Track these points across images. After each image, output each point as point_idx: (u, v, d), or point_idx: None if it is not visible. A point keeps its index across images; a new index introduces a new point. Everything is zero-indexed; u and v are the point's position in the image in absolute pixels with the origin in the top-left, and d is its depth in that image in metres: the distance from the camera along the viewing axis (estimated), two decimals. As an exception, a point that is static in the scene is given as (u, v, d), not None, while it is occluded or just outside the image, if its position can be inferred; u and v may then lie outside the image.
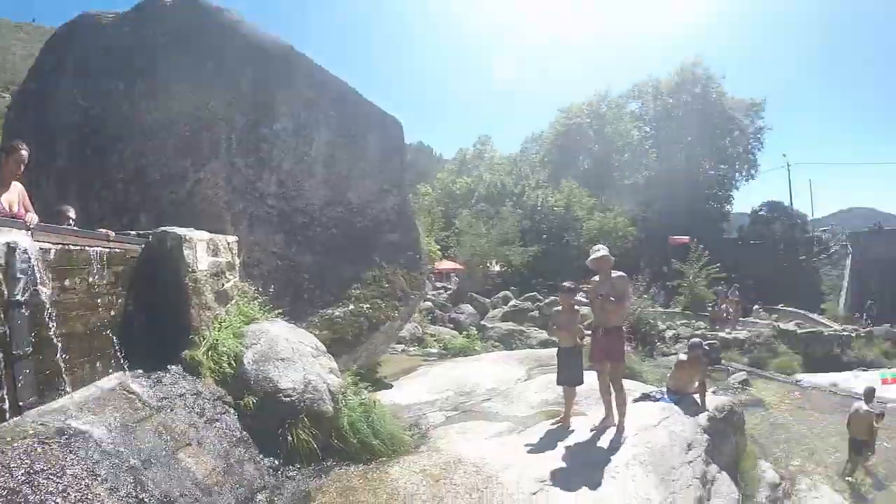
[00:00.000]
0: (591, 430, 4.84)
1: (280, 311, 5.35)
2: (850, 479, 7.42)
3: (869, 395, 8.09)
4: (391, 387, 6.54)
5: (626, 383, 6.22)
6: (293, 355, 4.49)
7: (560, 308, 5.43)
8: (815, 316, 22.42)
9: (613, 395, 4.87)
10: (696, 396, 5.83)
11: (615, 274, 4.84)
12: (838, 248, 33.18)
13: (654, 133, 40.71)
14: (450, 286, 22.92)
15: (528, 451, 4.48)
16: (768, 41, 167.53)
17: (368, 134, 7.32)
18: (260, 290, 5.41)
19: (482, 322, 14.52)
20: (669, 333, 15.59)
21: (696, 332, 15.75)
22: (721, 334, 15.84)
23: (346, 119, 7.07)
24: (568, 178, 34.85)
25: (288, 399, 4.10)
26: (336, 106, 6.98)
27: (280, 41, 6.69)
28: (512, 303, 17.74)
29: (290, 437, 3.96)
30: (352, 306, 6.70)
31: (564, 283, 5.37)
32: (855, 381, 11.76)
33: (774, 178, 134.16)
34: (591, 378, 5.12)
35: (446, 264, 25.99)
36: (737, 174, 40.20)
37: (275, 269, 6.20)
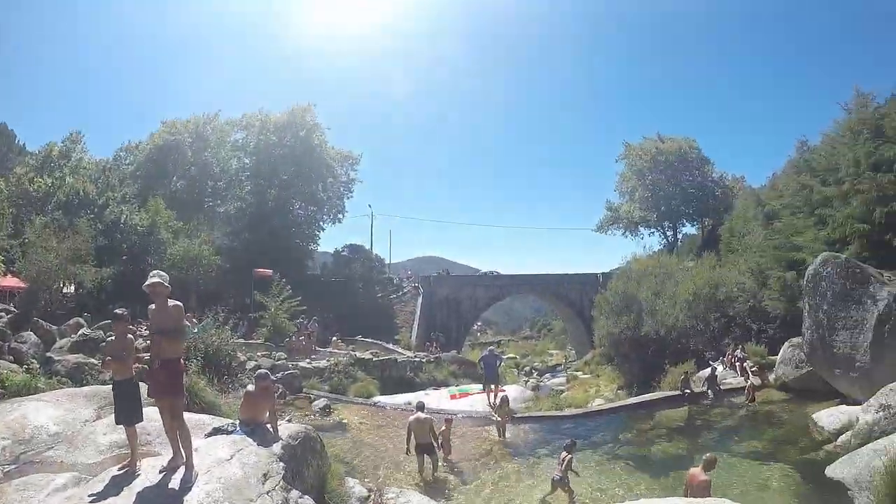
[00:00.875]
0: (161, 472, 4.60)
1: None
2: (430, 478, 8.51)
3: (420, 406, 9.68)
4: (-68, 442, 5.33)
5: (203, 417, 6.24)
6: None
7: (113, 337, 5.06)
8: (390, 346, 26.25)
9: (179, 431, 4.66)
10: (270, 426, 5.87)
11: (171, 303, 4.68)
12: (410, 289, 40.94)
13: (253, 166, 41.37)
14: (12, 308, 17.56)
15: (95, 503, 4.20)
16: (372, 105, 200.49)
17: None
18: None
19: (48, 354, 11.84)
20: (251, 364, 15.39)
21: (278, 362, 16.23)
22: (302, 364, 16.69)
23: None
24: (157, 197, 32.05)
25: None
26: None
27: None
28: (82, 331, 14.83)
29: None
30: None
31: (117, 310, 5.01)
32: (427, 398, 13.02)
33: (362, 223, 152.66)
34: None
35: (11, 281, 20.99)
36: (325, 217, 43.86)
37: None
